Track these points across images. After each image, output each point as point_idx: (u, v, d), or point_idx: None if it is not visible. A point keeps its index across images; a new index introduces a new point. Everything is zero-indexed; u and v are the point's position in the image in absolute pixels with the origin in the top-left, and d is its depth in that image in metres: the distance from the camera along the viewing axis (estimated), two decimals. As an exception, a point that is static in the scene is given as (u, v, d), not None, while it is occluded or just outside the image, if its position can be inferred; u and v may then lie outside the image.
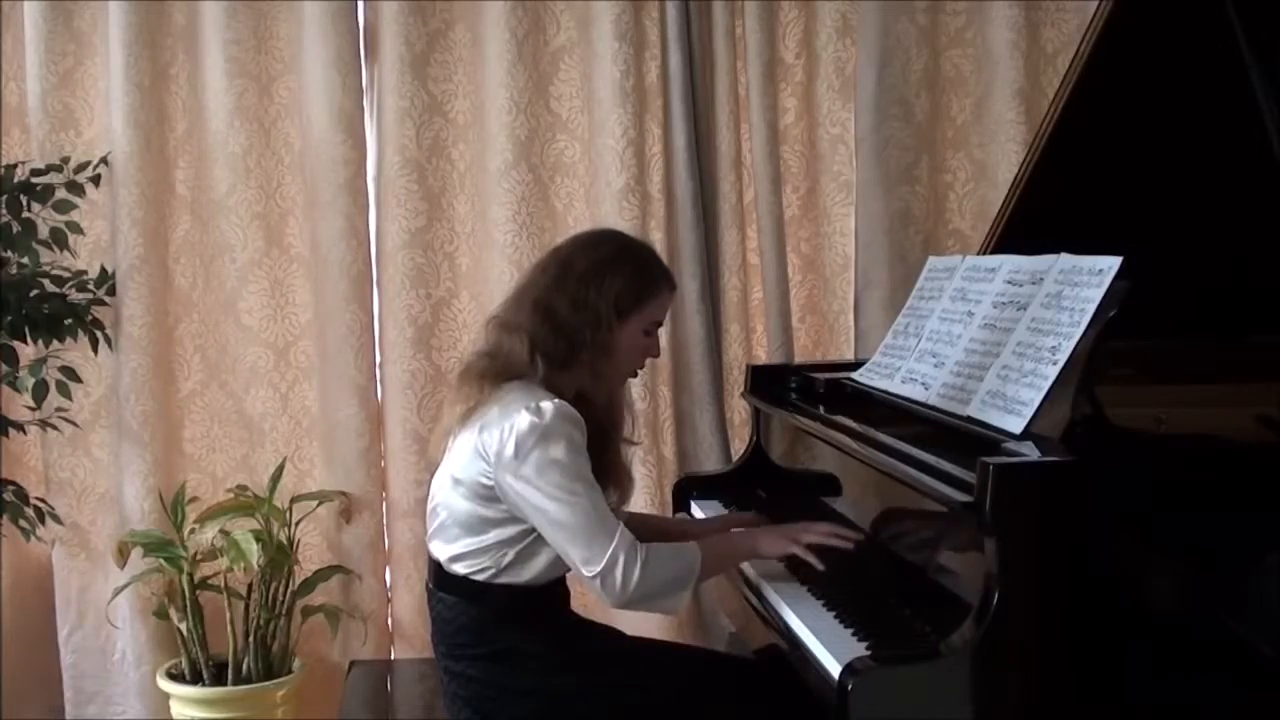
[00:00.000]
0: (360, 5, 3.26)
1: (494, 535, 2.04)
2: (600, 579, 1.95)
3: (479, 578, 2.06)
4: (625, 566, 1.94)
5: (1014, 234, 2.50)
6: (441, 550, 2.11)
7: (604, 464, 2.12)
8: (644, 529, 2.43)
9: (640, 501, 3.12)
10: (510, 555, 2.04)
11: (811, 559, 2.09)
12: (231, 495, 3.17)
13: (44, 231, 3.02)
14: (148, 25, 3.14)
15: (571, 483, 1.96)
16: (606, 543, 1.95)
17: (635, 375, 2.20)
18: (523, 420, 1.96)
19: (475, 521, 2.05)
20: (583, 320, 2.05)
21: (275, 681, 3.07)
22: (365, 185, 3.25)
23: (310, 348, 3.31)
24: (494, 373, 2.07)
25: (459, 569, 2.07)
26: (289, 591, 3.10)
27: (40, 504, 3.06)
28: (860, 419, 2.29)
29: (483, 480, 2.02)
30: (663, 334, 3.18)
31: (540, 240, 3.19)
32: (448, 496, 2.08)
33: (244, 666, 3.06)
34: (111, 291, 3.12)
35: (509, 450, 1.97)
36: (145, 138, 3.14)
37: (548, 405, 1.98)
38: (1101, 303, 1.85)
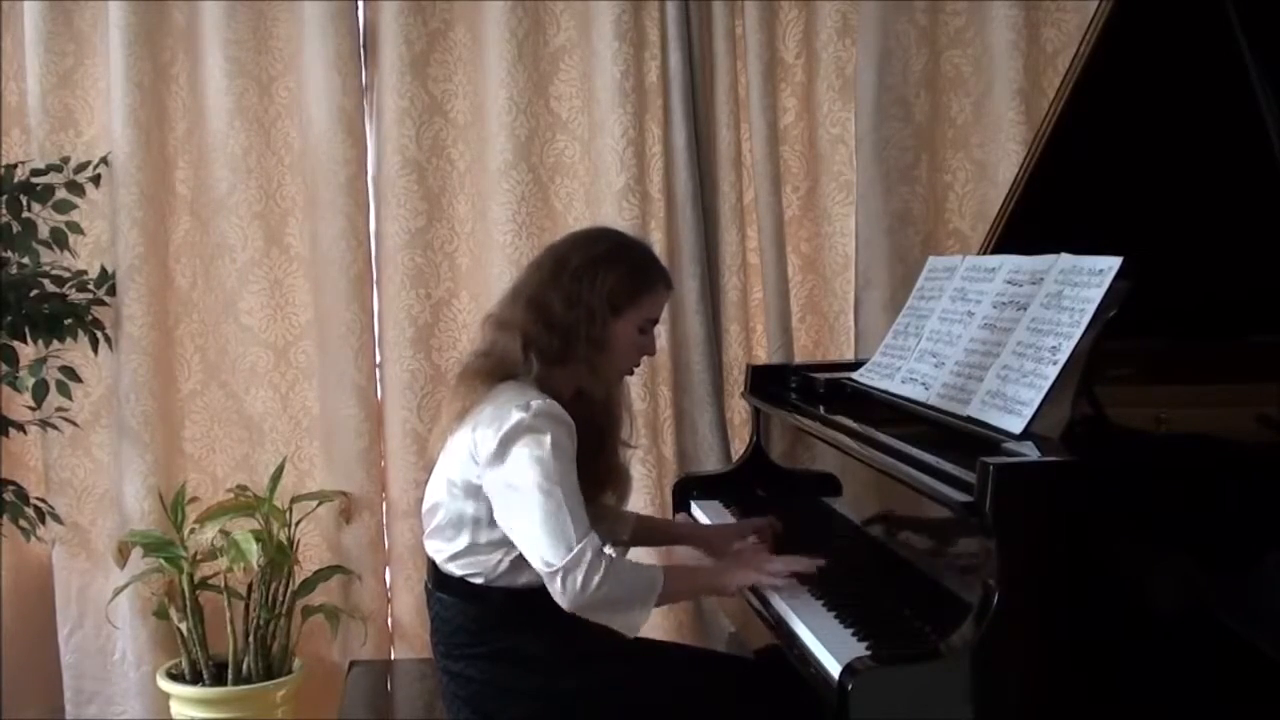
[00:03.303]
0: (360, 5, 3.26)
1: (488, 535, 2.04)
2: (560, 575, 1.92)
3: (475, 580, 2.06)
4: (588, 569, 1.92)
5: (1014, 234, 2.50)
6: (439, 551, 2.11)
7: (601, 464, 2.12)
8: (650, 532, 2.44)
9: (640, 501, 3.12)
10: (505, 563, 2.04)
11: (777, 582, 2.08)
12: (231, 495, 3.17)
13: (44, 231, 3.02)
14: (148, 25, 3.14)
15: (543, 481, 1.94)
16: (572, 542, 1.92)
17: (631, 373, 2.19)
18: (511, 418, 1.96)
19: (469, 522, 2.05)
20: (576, 316, 2.04)
21: (275, 681, 3.07)
22: (365, 185, 3.25)
23: (310, 348, 3.31)
24: (488, 372, 2.07)
25: (456, 569, 2.08)
26: (289, 591, 3.10)
27: (40, 504, 3.06)
28: (860, 419, 2.28)
29: (473, 480, 2.02)
30: (663, 334, 3.22)
31: (540, 240, 3.18)
32: (443, 497, 2.08)
33: (244, 666, 3.06)
34: (111, 291, 3.13)
35: (493, 448, 1.97)
36: (145, 138, 3.14)
37: (537, 404, 1.98)
38: (1101, 303, 1.85)
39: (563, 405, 2.02)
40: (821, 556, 2.11)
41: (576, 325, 2.05)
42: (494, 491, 1.99)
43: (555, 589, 1.94)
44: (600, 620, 2.01)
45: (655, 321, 2.15)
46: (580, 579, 1.92)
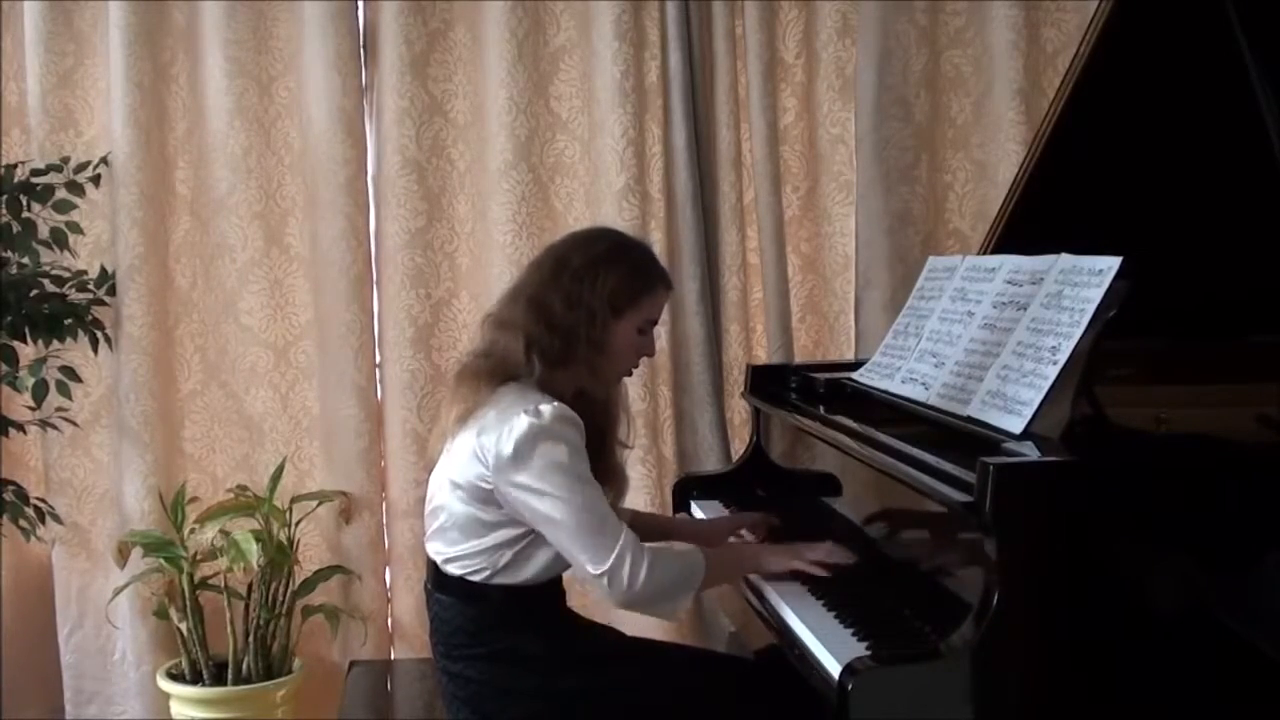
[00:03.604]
0: (360, 5, 3.26)
1: (492, 538, 2.04)
2: (608, 576, 1.95)
3: (475, 578, 2.06)
4: (632, 564, 1.95)
5: (1014, 234, 2.50)
6: (440, 552, 2.11)
7: (599, 464, 2.12)
8: (647, 528, 2.45)
9: (640, 501, 3.12)
10: (507, 556, 2.04)
11: (818, 571, 2.11)
12: (231, 495, 3.16)
13: (44, 231, 3.02)
14: (148, 25, 3.14)
15: (572, 484, 1.96)
16: (613, 541, 1.95)
17: (630, 374, 2.19)
18: (521, 423, 1.96)
19: (474, 524, 2.05)
20: (577, 317, 2.04)
21: (275, 681, 3.07)
22: (365, 185, 3.25)
23: (310, 348, 3.31)
24: (489, 372, 2.06)
25: (456, 569, 2.07)
26: (289, 591, 3.10)
27: (40, 504, 3.06)
28: (860, 419, 2.28)
29: (481, 484, 2.02)
30: (663, 334, 3.22)
31: (540, 240, 3.18)
32: (447, 500, 2.08)
33: (244, 666, 3.06)
34: (111, 291, 3.13)
35: (508, 454, 1.96)
36: (145, 138, 3.14)
37: (546, 408, 1.97)
38: (1101, 303, 1.85)
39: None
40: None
41: (577, 326, 2.05)
42: (516, 499, 1.98)
43: (603, 589, 1.96)
44: (648, 613, 2.05)
45: (654, 323, 2.15)
46: (626, 578, 1.94)
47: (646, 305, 2.11)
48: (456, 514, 2.06)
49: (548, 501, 1.96)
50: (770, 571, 2.18)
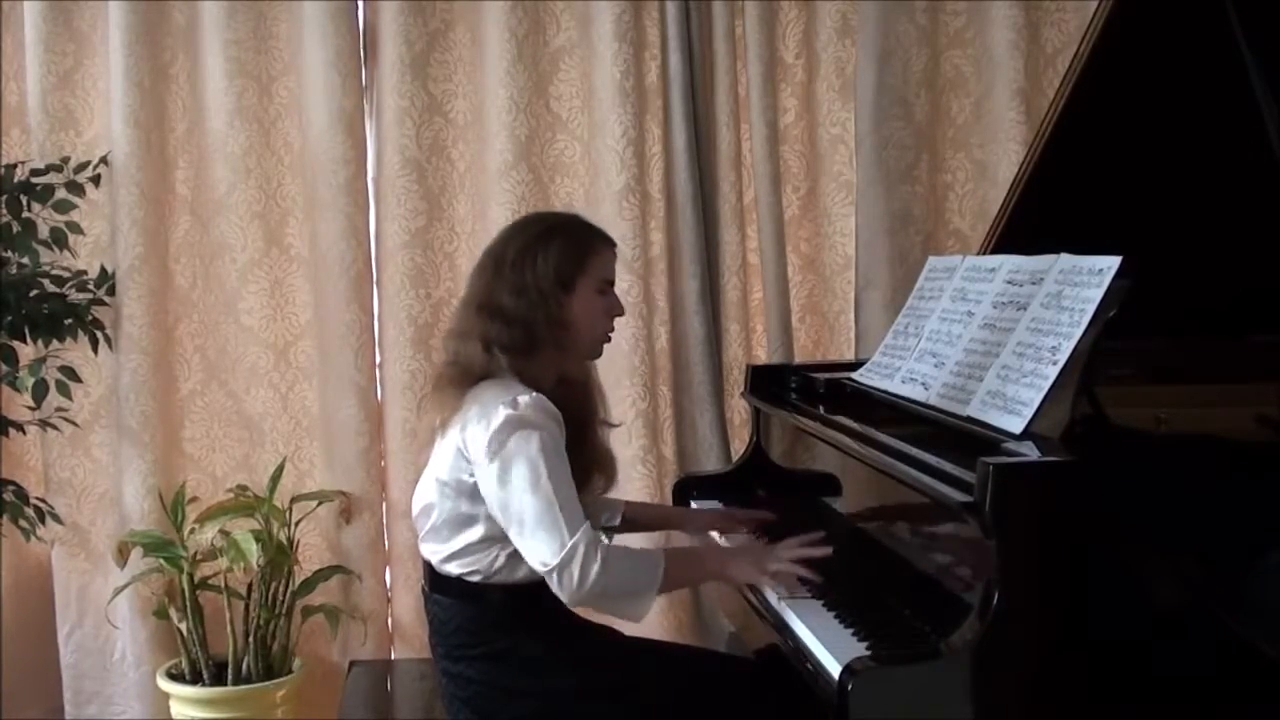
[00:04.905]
0: (360, 5, 3.26)
1: (482, 531, 2.04)
2: (556, 573, 1.93)
3: (473, 579, 2.06)
4: (583, 562, 1.92)
5: (1014, 234, 2.50)
6: (434, 552, 2.11)
7: (585, 449, 2.13)
8: (643, 516, 2.45)
9: (640, 500, 3.12)
10: (501, 557, 2.04)
11: (779, 587, 2.09)
12: (231, 495, 3.17)
13: (44, 231, 3.02)
14: (148, 25, 3.14)
15: (538, 476, 1.95)
16: (566, 537, 1.93)
17: (609, 339, 2.17)
18: (499, 415, 1.97)
19: (463, 519, 2.05)
20: (529, 302, 2.05)
21: (275, 681, 3.07)
22: (365, 185, 3.25)
23: (310, 348, 3.31)
24: (460, 379, 2.07)
25: (452, 569, 2.08)
26: (289, 591, 3.10)
27: (40, 504, 3.06)
28: (860, 419, 2.29)
29: (465, 478, 2.03)
30: (663, 333, 3.23)
31: (540, 240, 3.18)
32: (435, 498, 2.09)
33: (244, 666, 3.06)
34: (111, 291, 3.13)
35: (485, 444, 1.97)
36: (145, 138, 3.14)
37: (524, 399, 1.98)
38: (1101, 303, 1.85)
39: (546, 395, 2.03)
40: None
41: (532, 311, 2.05)
42: (488, 491, 2.00)
43: (554, 585, 1.95)
44: (604, 611, 2.02)
45: (611, 282, 2.15)
46: (577, 574, 1.92)
47: (594, 266, 2.11)
48: (445, 511, 2.07)
49: (510, 492, 1.96)
50: (736, 581, 2.18)
